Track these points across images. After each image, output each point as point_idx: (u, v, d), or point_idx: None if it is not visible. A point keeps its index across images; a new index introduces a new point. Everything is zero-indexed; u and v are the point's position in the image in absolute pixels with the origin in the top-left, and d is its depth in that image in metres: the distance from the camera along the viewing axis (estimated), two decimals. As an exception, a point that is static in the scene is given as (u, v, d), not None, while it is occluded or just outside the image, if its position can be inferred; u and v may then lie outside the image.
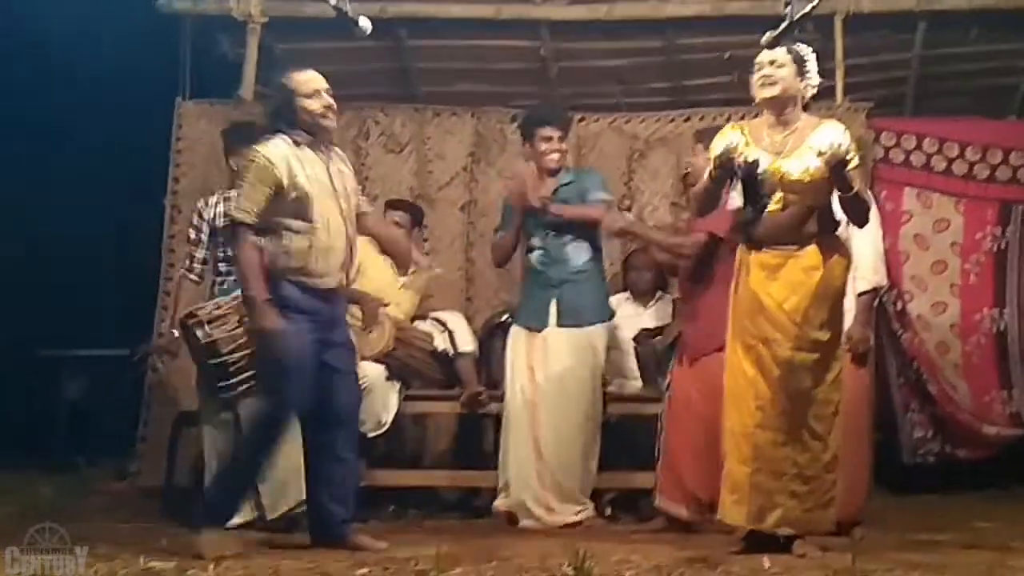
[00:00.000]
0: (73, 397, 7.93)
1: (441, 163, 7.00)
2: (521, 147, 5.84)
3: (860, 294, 5.24)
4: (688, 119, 6.93)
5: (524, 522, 5.41)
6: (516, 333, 5.64)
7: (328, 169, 4.42)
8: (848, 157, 4.17)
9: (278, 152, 4.33)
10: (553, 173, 5.62)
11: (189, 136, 6.77)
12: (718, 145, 4.43)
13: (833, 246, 4.35)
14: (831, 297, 4.32)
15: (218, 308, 4.87)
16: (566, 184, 5.61)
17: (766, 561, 3.72)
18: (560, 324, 5.53)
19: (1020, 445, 6.50)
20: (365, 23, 5.27)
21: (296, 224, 4.31)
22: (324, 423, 4.45)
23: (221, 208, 5.29)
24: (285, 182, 4.29)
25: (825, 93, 6.72)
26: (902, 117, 7.07)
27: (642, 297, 6.35)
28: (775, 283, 4.31)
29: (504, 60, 7.11)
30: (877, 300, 5.61)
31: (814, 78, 4.43)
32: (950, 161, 6.74)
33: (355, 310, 5.83)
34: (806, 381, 4.26)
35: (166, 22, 6.81)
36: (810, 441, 4.25)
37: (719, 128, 6.18)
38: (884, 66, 7.04)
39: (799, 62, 4.39)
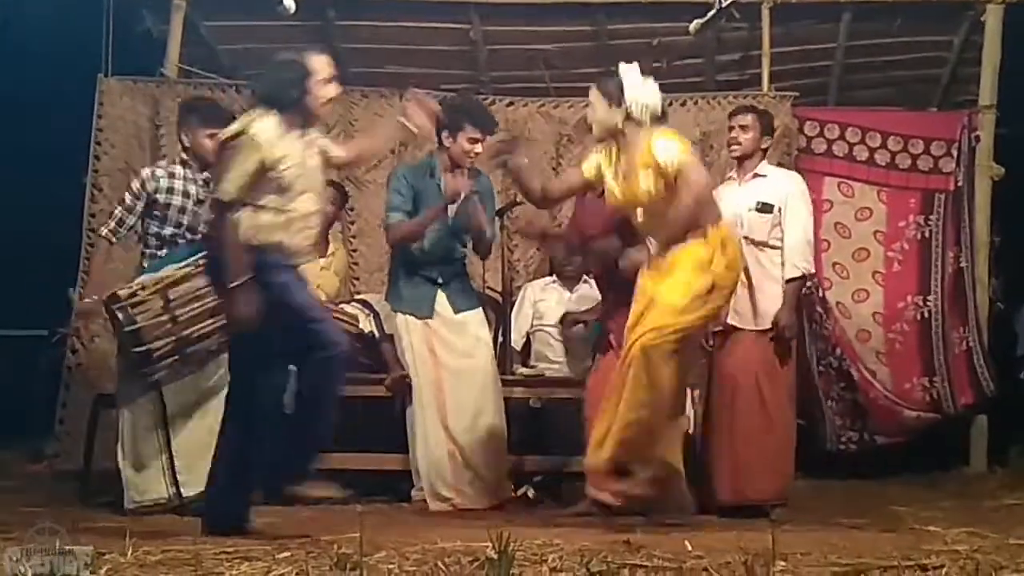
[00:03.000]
0: (-10, 377, 7.80)
1: (369, 145, 6.95)
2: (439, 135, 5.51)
3: (788, 280, 5.29)
4: (616, 105, 6.95)
5: (435, 506, 5.40)
6: (405, 320, 5.58)
7: (306, 150, 4.35)
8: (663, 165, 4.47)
9: (268, 132, 4.24)
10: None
11: (111, 114, 6.66)
12: (592, 162, 4.77)
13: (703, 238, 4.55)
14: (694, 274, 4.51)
15: (143, 289, 4.85)
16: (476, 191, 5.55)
17: (688, 543, 3.75)
18: (455, 311, 5.56)
19: (937, 430, 6.63)
20: (289, 2, 5.22)
21: (274, 200, 4.25)
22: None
23: (165, 183, 5.17)
24: (268, 163, 4.22)
25: (752, 81, 6.85)
26: (826, 107, 7.15)
27: (568, 282, 6.38)
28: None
29: (433, 42, 7.07)
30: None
31: (631, 100, 4.57)
32: (872, 151, 6.83)
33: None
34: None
35: (89, -3, 6.68)
36: None
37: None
38: (809, 55, 7.11)
39: (608, 96, 4.62)
